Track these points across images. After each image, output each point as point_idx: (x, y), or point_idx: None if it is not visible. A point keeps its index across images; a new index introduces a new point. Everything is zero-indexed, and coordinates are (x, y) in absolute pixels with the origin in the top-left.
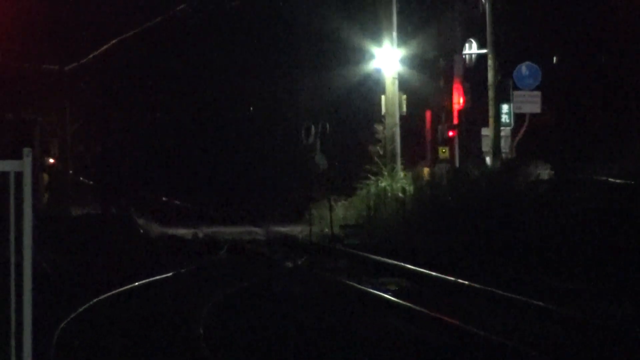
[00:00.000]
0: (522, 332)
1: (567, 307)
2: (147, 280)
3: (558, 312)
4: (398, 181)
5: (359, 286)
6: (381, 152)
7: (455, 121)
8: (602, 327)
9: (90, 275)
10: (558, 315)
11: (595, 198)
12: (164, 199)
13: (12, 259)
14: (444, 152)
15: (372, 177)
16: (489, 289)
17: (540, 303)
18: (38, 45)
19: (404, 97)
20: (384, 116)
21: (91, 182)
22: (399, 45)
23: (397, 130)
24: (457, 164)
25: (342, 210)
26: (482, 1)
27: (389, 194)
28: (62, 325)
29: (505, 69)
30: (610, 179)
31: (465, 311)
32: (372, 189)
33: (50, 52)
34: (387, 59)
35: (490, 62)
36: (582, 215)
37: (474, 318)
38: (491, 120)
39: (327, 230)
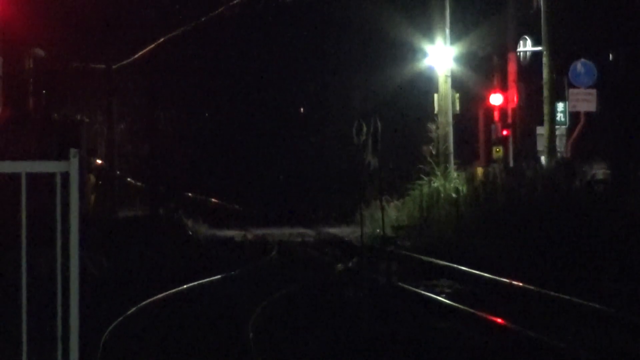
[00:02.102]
0: (582, 337)
1: (630, 312)
2: (195, 283)
3: (620, 317)
4: (451, 181)
5: (412, 288)
6: (434, 152)
7: (509, 120)
8: None
9: (138, 278)
10: (621, 320)
11: None
12: (212, 200)
13: (59, 262)
14: (498, 151)
15: (425, 177)
16: (545, 291)
17: (596, 305)
18: (85, 44)
19: (457, 95)
20: (436, 115)
21: (139, 183)
22: (451, 42)
23: (450, 130)
24: (511, 164)
25: (394, 211)
26: None
27: (442, 195)
28: (110, 328)
29: (561, 66)
30: None
31: (520, 314)
32: (425, 190)
33: (97, 50)
34: (440, 57)
35: (545, 59)
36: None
37: (529, 320)
38: (546, 119)
39: (378, 231)
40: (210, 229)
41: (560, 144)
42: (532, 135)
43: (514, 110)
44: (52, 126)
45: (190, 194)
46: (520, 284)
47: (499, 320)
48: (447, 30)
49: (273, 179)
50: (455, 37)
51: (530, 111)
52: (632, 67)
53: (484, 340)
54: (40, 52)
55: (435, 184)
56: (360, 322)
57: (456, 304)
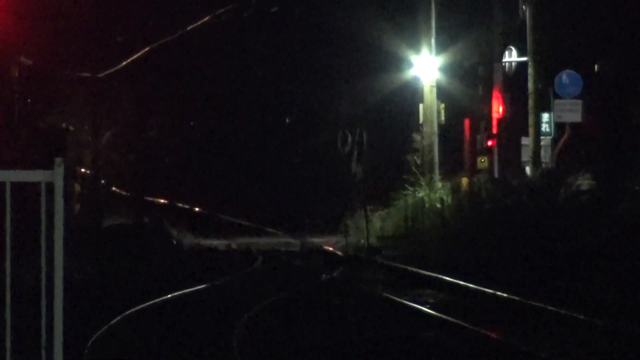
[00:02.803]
0: (566, 347)
1: (615, 321)
2: (180, 292)
3: (605, 327)
4: (436, 191)
5: (396, 298)
6: (419, 162)
7: (495, 130)
8: None
9: (122, 287)
10: (606, 330)
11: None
12: (197, 209)
13: (44, 270)
14: (482, 161)
15: (410, 187)
16: (529, 302)
17: (581, 316)
18: (71, 52)
19: (443, 105)
20: (422, 125)
21: (124, 192)
22: (437, 53)
23: (436, 140)
24: (497, 174)
25: (379, 221)
26: (522, 8)
27: (427, 205)
28: (94, 337)
29: (546, 77)
30: None
31: (505, 324)
32: (410, 200)
33: (84, 59)
34: (426, 67)
35: (530, 70)
36: (622, 227)
37: (514, 331)
38: (531, 130)
39: (363, 241)
40: (195, 238)
41: (545, 155)
42: (517, 146)
43: (499, 120)
44: (37, 135)
45: (175, 203)
46: (505, 294)
47: (484, 330)
48: (433, 41)
49: (258, 188)
50: (441, 47)
51: (516, 122)
52: (617, 77)
53: (468, 351)
54: (26, 60)
55: (420, 194)
56: (344, 332)
57: (440, 314)
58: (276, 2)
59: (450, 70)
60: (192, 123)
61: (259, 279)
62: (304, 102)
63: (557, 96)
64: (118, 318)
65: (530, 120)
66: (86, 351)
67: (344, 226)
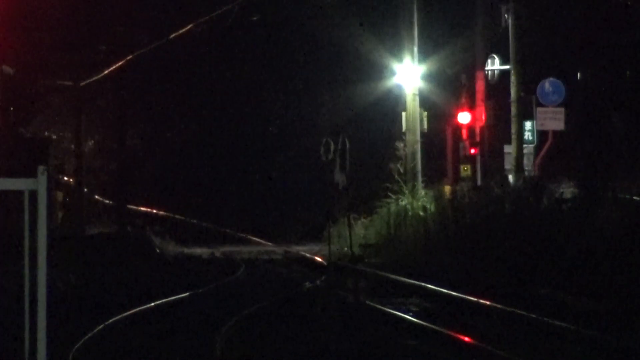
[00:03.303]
0: (550, 356)
1: (598, 329)
2: (163, 300)
3: (588, 335)
4: (419, 199)
5: (380, 307)
6: (402, 170)
7: (477, 138)
8: (624, 349)
9: (105, 296)
10: (589, 338)
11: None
12: (180, 217)
13: (27, 279)
14: (465, 169)
15: (393, 196)
16: (511, 309)
17: (563, 324)
18: (53, 61)
19: (425, 113)
20: (404, 133)
21: (107, 200)
22: (420, 61)
23: (418, 148)
24: (479, 182)
25: (362, 229)
26: (504, 17)
27: (410, 213)
28: (77, 345)
29: (529, 85)
30: (635, 197)
31: (487, 332)
32: (393, 208)
33: (65, 67)
34: (408, 75)
35: (513, 78)
36: (605, 234)
37: (496, 339)
38: (514, 138)
39: (346, 249)
40: (178, 247)
41: (528, 163)
42: (500, 154)
43: (482, 128)
44: (19, 143)
45: (157, 211)
46: (488, 302)
47: (467, 338)
48: (415, 49)
49: (241, 197)
50: (424, 55)
51: (498, 130)
52: (599, 85)
53: (450, 359)
54: (8, 69)
55: (403, 202)
56: (327, 340)
57: (423, 322)
58: (258, 10)
59: (433, 78)
60: (174, 132)
61: (241, 287)
62: (286, 110)
63: (539, 104)
64: (101, 326)
65: (513, 128)
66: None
67: (327, 234)
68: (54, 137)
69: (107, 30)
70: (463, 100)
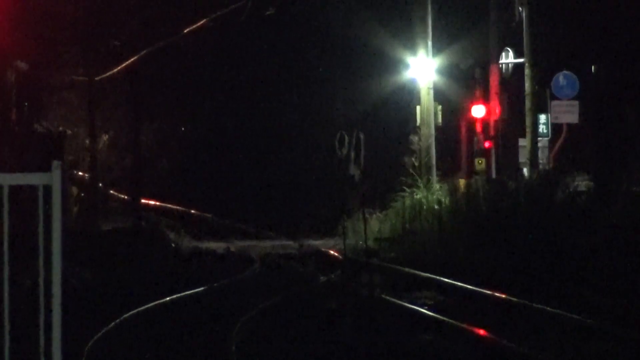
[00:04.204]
0: (564, 349)
1: (612, 323)
2: (178, 295)
3: (602, 328)
4: (434, 193)
5: (395, 300)
6: (416, 164)
7: (492, 132)
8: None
9: (120, 291)
10: (603, 332)
11: (633, 210)
12: (194, 212)
13: (42, 275)
14: (480, 163)
15: (407, 189)
16: (526, 302)
17: (579, 317)
18: (67, 56)
19: (440, 107)
20: (419, 127)
21: (122, 195)
22: (434, 55)
23: (433, 142)
24: (494, 176)
25: (377, 223)
26: (518, 9)
27: (425, 207)
28: (92, 341)
29: (543, 78)
30: None
31: (503, 325)
32: (407, 202)
33: (79, 63)
34: (422, 69)
35: (527, 71)
36: (619, 228)
37: (511, 332)
38: (528, 131)
39: (361, 243)
40: (193, 241)
41: (542, 156)
42: (515, 147)
43: (496, 122)
44: (34, 138)
45: (172, 206)
46: (503, 296)
47: (482, 332)
48: (429, 43)
49: (256, 191)
50: (438, 49)
51: (513, 123)
52: (613, 79)
53: (466, 353)
54: (22, 64)
55: (418, 195)
56: (343, 334)
57: (439, 316)
58: (272, 5)
59: (447, 72)
60: (188, 126)
61: (256, 281)
62: (300, 104)
63: (554, 97)
64: (116, 322)
65: (527, 121)
66: (84, 355)
67: (341, 228)
68: (69, 132)
69: (121, 25)
70: (477, 93)
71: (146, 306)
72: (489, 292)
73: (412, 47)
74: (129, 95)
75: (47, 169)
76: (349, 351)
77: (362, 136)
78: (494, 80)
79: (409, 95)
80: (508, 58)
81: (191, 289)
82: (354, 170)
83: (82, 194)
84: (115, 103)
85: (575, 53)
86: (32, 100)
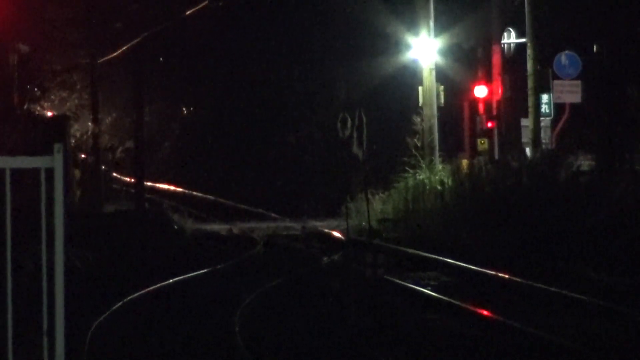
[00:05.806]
0: (568, 328)
1: (615, 302)
2: (182, 277)
3: (605, 307)
4: (436, 173)
5: (398, 281)
6: (419, 144)
7: (494, 112)
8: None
9: (124, 273)
10: (606, 310)
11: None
12: (197, 194)
13: (44, 257)
14: (482, 143)
15: (410, 170)
16: (529, 282)
17: (582, 297)
18: (68, 38)
19: (442, 87)
20: (421, 108)
21: (124, 178)
22: (436, 35)
23: (435, 122)
24: (497, 156)
25: (380, 204)
26: None
27: (427, 187)
28: (96, 323)
29: (545, 58)
30: None
31: (506, 305)
32: (410, 182)
33: (81, 45)
34: (424, 49)
35: (529, 51)
36: (622, 207)
37: (515, 312)
38: (531, 111)
39: (364, 224)
40: (196, 223)
41: (545, 136)
42: (517, 127)
43: (498, 102)
44: (36, 121)
45: (175, 188)
46: (506, 276)
47: (486, 312)
48: (431, 23)
49: (258, 173)
50: (440, 29)
51: (515, 103)
52: (616, 58)
53: (470, 332)
54: (24, 47)
55: (421, 176)
56: (346, 315)
57: (442, 296)
58: None
59: (449, 52)
60: (191, 108)
61: (260, 263)
62: (302, 85)
63: (556, 77)
64: (120, 304)
65: (530, 101)
66: (88, 336)
67: (344, 209)
68: (71, 115)
69: (123, 7)
70: (479, 74)
71: (150, 288)
72: (492, 272)
73: (414, 28)
74: (131, 77)
75: (49, 152)
76: (353, 331)
77: (364, 117)
78: (496, 61)
79: (411, 76)
80: (510, 38)
81: (194, 271)
82: (356, 151)
83: (85, 177)
84: (118, 85)
85: (577, 32)
86: (34, 83)
